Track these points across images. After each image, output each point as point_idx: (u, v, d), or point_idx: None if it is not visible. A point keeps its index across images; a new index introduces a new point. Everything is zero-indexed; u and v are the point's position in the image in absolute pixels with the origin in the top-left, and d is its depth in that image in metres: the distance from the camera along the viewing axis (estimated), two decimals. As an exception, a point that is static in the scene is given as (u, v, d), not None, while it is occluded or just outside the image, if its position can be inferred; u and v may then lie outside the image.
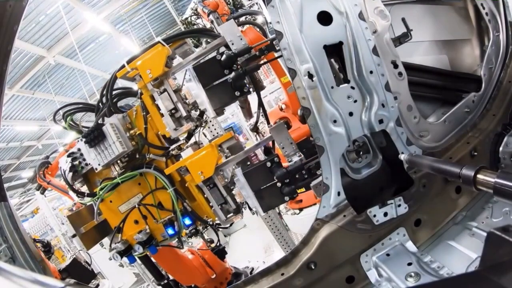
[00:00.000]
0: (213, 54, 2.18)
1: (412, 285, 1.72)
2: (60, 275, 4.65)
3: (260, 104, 2.36)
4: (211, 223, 2.60)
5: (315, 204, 4.31)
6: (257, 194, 2.06)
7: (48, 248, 6.03)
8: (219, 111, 2.21)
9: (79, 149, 2.55)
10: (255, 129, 3.87)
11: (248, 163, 2.37)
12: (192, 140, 2.61)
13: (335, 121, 1.78)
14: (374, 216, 1.86)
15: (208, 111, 2.14)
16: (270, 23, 1.86)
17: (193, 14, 6.58)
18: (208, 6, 5.66)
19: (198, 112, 2.45)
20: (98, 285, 6.06)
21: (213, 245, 3.41)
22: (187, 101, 2.32)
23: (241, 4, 7.14)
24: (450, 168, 1.40)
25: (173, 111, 2.27)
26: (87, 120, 3.05)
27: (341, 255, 1.90)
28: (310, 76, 1.73)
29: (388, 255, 1.96)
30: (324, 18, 1.79)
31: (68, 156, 2.66)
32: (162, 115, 2.33)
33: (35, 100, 18.78)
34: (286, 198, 2.04)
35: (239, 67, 2.06)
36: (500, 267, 0.85)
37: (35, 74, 16.50)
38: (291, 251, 1.91)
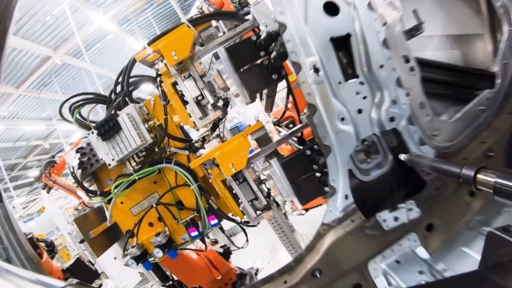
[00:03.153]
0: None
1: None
2: (63, 275, 4.61)
3: (290, 92, 2.16)
4: (238, 221, 2.41)
5: (321, 204, 4.19)
6: (294, 186, 1.90)
7: (51, 248, 5.99)
8: (253, 96, 2.03)
9: (88, 144, 2.39)
10: (278, 122, 3.65)
11: (283, 154, 2.19)
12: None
13: (343, 119, 1.67)
14: (384, 221, 1.75)
15: (242, 96, 1.95)
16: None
17: (198, 13, 6.50)
18: (214, 4, 5.56)
19: (221, 102, 2.27)
20: (101, 285, 6.02)
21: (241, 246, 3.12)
22: (215, 86, 2.16)
23: (246, 2, 7.02)
24: (450, 168, 1.36)
25: (199, 98, 2.09)
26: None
27: (348, 262, 1.79)
28: (316, 70, 1.61)
29: (398, 262, 1.84)
30: (331, 8, 1.67)
31: (77, 151, 2.48)
32: (185, 103, 2.15)
33: (41, 99, 18.92)
34: (326, 188, 1.85)
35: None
36: (500, 267, 0.85)
37: (41, 74, 16.59)
38: (294, 258, 1.80)
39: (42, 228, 12.37)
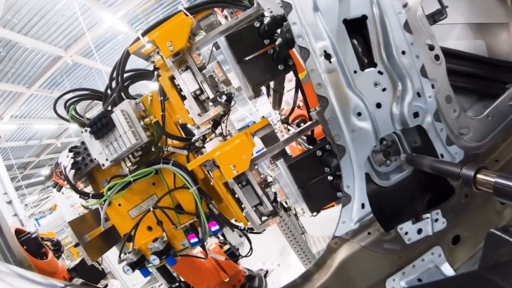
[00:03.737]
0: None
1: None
2: (69, 275, 4.51)
3: (298, 86, 1.93)
4: (242, 227, 2.23)
5: (333, 206, 3.95)
6: (303, 191, 1.68)
7: (57, 247, 5.90)
8: (257, 90, 1.84)
9: (83, 143, 2.28)
10: (287, 120, 3.41)
11: (291, 155, 1.96)
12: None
13: (359, 114, 1.42)
14: (406, 233, 1.50)
15: (244, 90, 1.75)
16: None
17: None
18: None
19: (224, 98, 2.10)
20: (106, 285, 5.90)
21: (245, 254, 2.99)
22: (216, 80, 1.98)
23: (256, -1, 6.80)
24: (451, 168, 1.28)
25: (197, 93, 1.91)
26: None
27: (363, 280, 1.56)
28: (327, 56, 1.37)
29: (419, 280, 1.61)
30: (343, -15, 1.44)
31: (70, 150, 2.38)
32: (184, 98, 1.98)
33: (53, 99, 19.00)
34: (339, 194, 1.64)
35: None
36: (500, 267, 0.83)
37: (53, 73, 16.70)
38: (301, 274, 1.58)
39: (53, 225, 12.49)
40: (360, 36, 1.48)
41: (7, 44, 12.93)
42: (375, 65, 1.47)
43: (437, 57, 1.63)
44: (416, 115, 1.47)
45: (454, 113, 1.68)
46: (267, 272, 4.40)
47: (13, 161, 19.67)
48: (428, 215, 1.51)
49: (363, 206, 1.49)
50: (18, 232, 2.94)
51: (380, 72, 1.46)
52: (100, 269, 5.46)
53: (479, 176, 1.13)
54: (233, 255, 3.70)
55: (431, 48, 1.64)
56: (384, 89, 1.46)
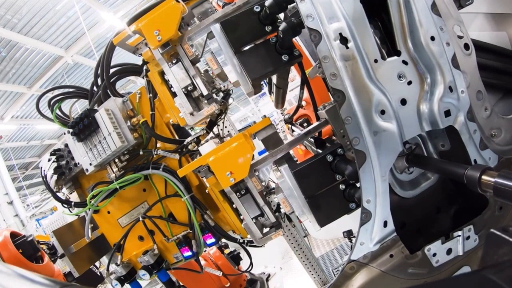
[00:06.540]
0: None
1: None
2: (65, 279, 4.35)
3: (304, 82, 1.70)
4: (241, 240, 2.02)
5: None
6: (311, 201, 1.46)
7: (53, 251, 5.74)
8: (257, 85, 1.61)
9: (66, 145, 2.12)
10: (291, 119, 3.17)
11: (297, 160, 1.72)
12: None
13: (383, 112, 1.17)
14: (434, 255, 1.26)
15: (243, 85, 1.54)
16: None
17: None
18: (225, -1, 5.15)
19: (221, 95, 1.91)
20: (104, 290, 5.75)
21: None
22: (210, 73, 1.78)
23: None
24: (455, 169, 1.17)
25: (189, 89, 1.71)
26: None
27: (384, 311, 1.31)
28: (344, 40, 1.13)
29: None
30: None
31: (52, 154, 2.22)
32: (174, 95, 1.78)
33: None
34: (352, 205, 1.43)
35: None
36: (500, 267, 0.81)
37: (53, 74, 16.65)
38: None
39: (54, 226, 12.43)
40: (380, 19, 1.24)
41: (8, 44, 12.87)
42: (398, 54, 1.23)
43: (466, 47, 1.39)
44: (447, 113, 1.23)
45: (485, 111, 1.45)
46: (269, 275, 4.25)
47: (14, 161, 19.63)
48: (459, 232, 1.27)
49: (385, 224, 1.24)
50: (14, 235, 2.81)
51: (404, 62, 1.22)
52: (98, 273, 5.29)
53: (484, 177, 1.04)
54: (235, 259, 3.58)
55: (460, 35, 1.41)
56: (409, 83, 1.22)
